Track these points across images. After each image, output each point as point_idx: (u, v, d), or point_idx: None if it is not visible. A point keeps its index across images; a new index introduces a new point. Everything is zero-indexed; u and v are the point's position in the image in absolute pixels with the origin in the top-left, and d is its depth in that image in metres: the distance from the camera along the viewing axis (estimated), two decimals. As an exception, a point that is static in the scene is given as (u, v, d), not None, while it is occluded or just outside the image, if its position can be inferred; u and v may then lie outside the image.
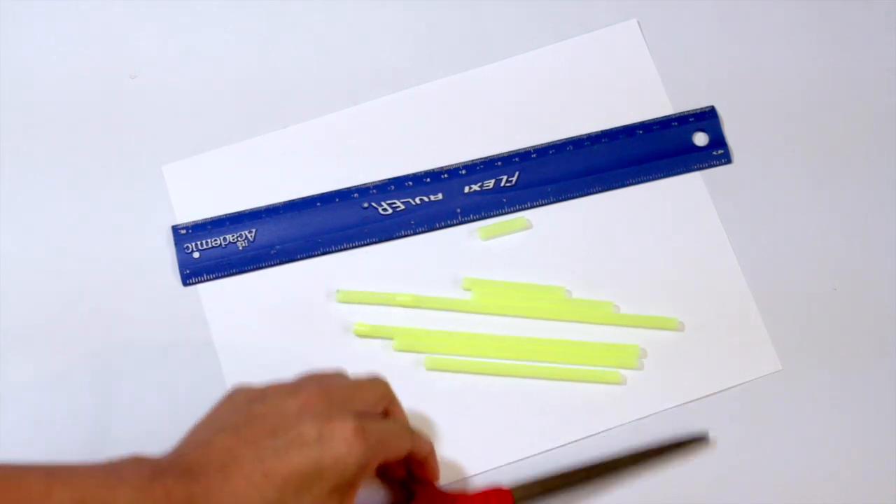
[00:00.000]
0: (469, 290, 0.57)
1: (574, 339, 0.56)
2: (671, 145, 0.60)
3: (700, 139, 0.60)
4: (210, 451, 0.43)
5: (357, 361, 0.55)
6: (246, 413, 0.45)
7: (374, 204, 0.59)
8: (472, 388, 0.56)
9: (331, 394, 0.46)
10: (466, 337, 0.56)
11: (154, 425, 0.55)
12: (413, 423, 0.54)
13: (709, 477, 0.55)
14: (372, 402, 0.48)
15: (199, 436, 0.45)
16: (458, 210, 0.59)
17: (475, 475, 0.55)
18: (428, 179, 0.59)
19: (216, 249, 0.58)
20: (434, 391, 0.56)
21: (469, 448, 0.55)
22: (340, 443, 0.44)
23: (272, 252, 0.58)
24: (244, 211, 0.59)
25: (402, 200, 0.58)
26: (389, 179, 0.59)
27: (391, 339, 0.56)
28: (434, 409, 0.56)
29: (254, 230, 0.58)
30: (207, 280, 0.58)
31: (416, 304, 0.57)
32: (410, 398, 0.55)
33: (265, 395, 0.46)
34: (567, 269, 0.58)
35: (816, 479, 0.55)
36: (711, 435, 0.55)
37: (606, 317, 0.57)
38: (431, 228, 0.58)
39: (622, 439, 0.55)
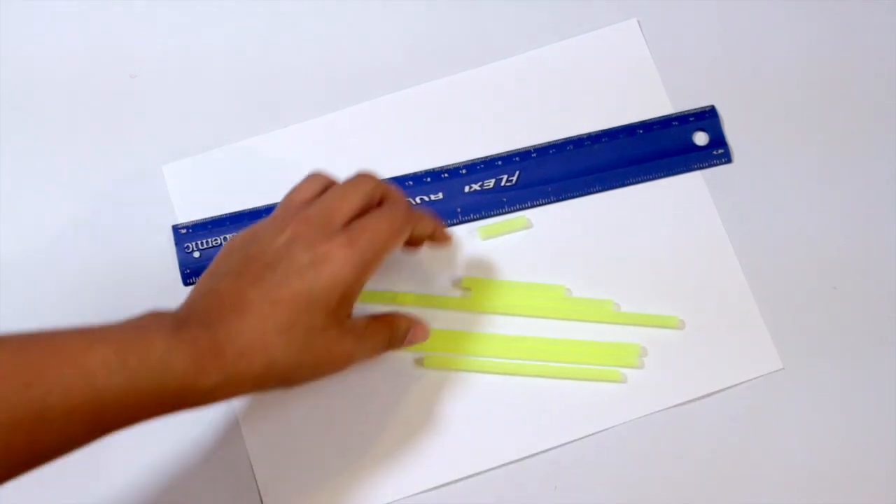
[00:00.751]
0: (468, 288, 0.57)
1: (575, 339, 0.56)
2: (671, 145, 0.60)
3: (700, 139, 0.60)
4: (220, 296, 0.47)
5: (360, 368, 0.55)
6: (242, 256, 0.48)
7: (374, 204, 0.59)
8: (473, 386, 0.56)
9: (313, 217, 0.48)
10: (466, 335, 0.56)
11: (154, 424, 0.55)
12: (411, 419, 0.54)
13: (709, 476, 0.55)
14: (359, 203, 0.50)
15: (205, 286, 0.48)
16: (459, 209, 0.59)
17: (474, 475, 0.55)
18: (428, 179, 0.59)
19: (217, 249, 0.58)
20: (434, 389, 0.56)
21: (468, 446, 0.55)
22: (334, 260, 0.47)
23: (272, 252, 0.58)
24: (244, 210, 0.59)
25: (403, 200, 0.58)
26: (389, 179, 0.59)
27: None
28: (434, 408, 0.56)
29: (254, 230, 0.58)
30: (208, 280, 0.58)
31: (417, 302, 0.57)
32: (411, 396, 0.56)
33: (255, 236, 0.49)
34: (567, 269, 0.58)
35: (818, 478, 0.55)
36: (712, 434, 0.55)
37: (607, 315, 0.57)
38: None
39: (623, 438, 0.55)
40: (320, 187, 0.51)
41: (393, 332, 0.52)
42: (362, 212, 0.50)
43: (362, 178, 0.51)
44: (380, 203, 0.51)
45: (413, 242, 0.53)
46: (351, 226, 0.49)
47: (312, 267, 0.47)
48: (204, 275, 0.50)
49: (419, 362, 0.56)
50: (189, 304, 0.48)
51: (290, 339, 0.46)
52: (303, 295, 0.46)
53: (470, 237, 0.58)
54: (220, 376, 0.45)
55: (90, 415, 0.42)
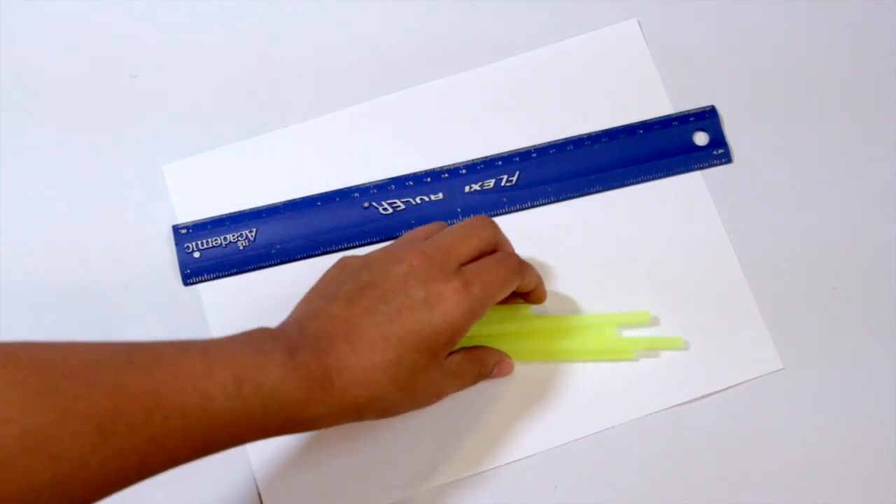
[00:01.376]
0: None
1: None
2: (671, 145, 0.60)
3: (700, 139, 0.60)
4: (331, 321, 0.47)
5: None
6: (355, 281, 0.49)
7: (374, 204, 0.59)
8: (472, 387, 0.56)
9: (432, 254, 0.49)
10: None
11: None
12: (411, 419, 0.54)
13: (709, 476, 0.55)
14: (478, 248, 0.50)
15: (314, 306, 0.49)
16: (459, 210, 0.59)
17: (474, 475, 0.55)
18: (428, 179, 0.59)
19: (217, 249, 0.58)
20: (422, 411, 0.55)
21: (469, 446, 0.55)
22: (447, 301, 0.47)
23: (273, 252, 0.58)
24: (245, 210, 0.59)
25: (403, 200, 0.58)
26: (390, 179, 0.59)
27: None
28: (434, 408, 0.55)
29: (254, 230, 0.58)
30: (208, 280, 0.58)
31: None
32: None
33: (370, 262, 0.50)
34: (567, 269, 0.58)
35: (818, 478, 0.55)
36: (712, 434, 0.55)
37: (609, 342, 0.56)
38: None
39: (623, 438, 0.55)
40: (438, 230, 0.52)
41: (483, 367, 0.53)
42: (478, 256, 0.50)
43: (482, 222, 0.52)
44: (493, 250, 0.52)
45: (518, 294, 0.54)
46: (466, 269, 0.49)
47: (426, 306, 0.47)
48: (313, 292, 0.50)
49: None
50: (300, 323, 0.48)
51: (394, 376, 0.47)
52: (413, 333, 0.47)
53: None
54: (326, 408, 0.45)
55: (201, 438, 0.43)
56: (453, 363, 0.51)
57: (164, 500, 0.54)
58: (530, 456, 0.55)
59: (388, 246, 0.52)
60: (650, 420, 0.55)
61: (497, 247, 0.52)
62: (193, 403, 0.42)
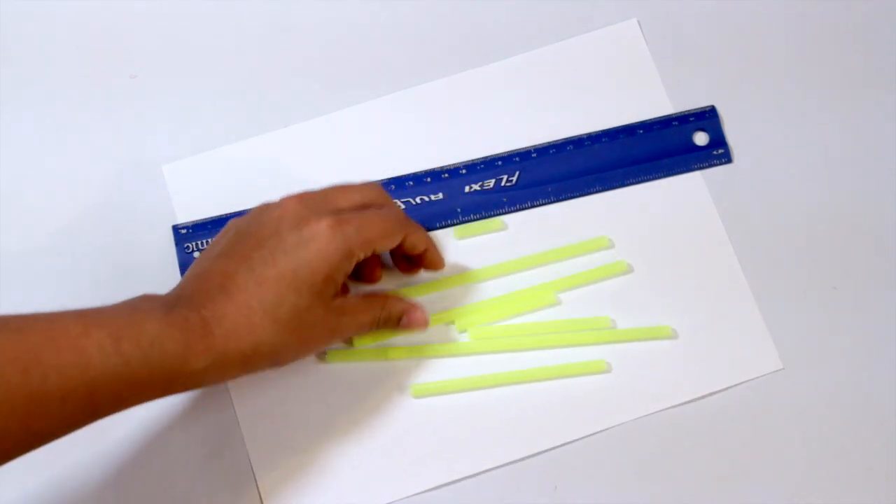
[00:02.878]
0: (464, 331, 0.56)
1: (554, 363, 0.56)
2: (671, 145, 0.60)
3: (700, 139, 0.60)
4: (209, 277, 0.48)
5: (359, 368, 0.56)
6: (234, 234, 0.50)
7: (374, 204, 0.58)
8: (463, 400, 0.56)
9: (308, 199, 0.50)
10: (457, 368, 0.56)
11: (155, 424, 0.55)
12: (411, 419, 0.54)
13: (709, 476, 0.55)
14: (358, 201, 0.51)
15: (198, 267, 0.50)
16: (459, 209, 0.59)
17: (474, 475, 0.55)
18: (428, 179, 0.59)
19: (216, 249, 0.58)
20: (422, 411, 0.56)
21: (469, 446, 0.55)
22: (319, 238, 0.48)
23: (272, 252, 0.58)
24: (244, 210, 0.58)
25: (403, 200, 0.58)
26: (390, 179, 0.59)
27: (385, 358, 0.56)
28: (434, 408, 0.56)
29: (254, 230, 0.58)
30: (208, 280, 0.58)
31: (410, 355, 0.56)
32: (411, 396, 0.56)
33: (250, 215, 0.50)
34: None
35: (818, 478, 0.55)
36: (712, 434, 0.55)
37: (602, 336, 0.57)
38: (432, 228, 0.58)
39: (623, 438, 0.55)
40: (326, 187, 0.53)
41: (385, 311, 0.53)
42: (359, 209, 0.51)
43: (368, 183, 0.53)
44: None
45: (406, 255, 0.54)
46: (342, 212, 0.50)
47: (300, 245, 0.48)
48: (202, 254, 0.51)
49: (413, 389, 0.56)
50: (181, 286, 0.49)
51: (275, 318, 0.47)
52: (288, 274, 0.47)
53: (445, 236, 0.58)
54: (209, 358, 0.46)
55: (85, 398, 0.43)
56: (348, 302, 0.51)
57: (165, 500, 0.54)
58: (530, 456, 0.55)
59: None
60: (650, 420, 0.55)
61: (383, 206, 0.53)
62: (71, 361, 0.42)
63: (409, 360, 0.56)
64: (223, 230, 0.52)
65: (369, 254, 0.50)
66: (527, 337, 0.56)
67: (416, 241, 0.53)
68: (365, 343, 0.56)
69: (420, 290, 0.57)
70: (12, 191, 0.59)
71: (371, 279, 0.56)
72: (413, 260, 0.55)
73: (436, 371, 0.56)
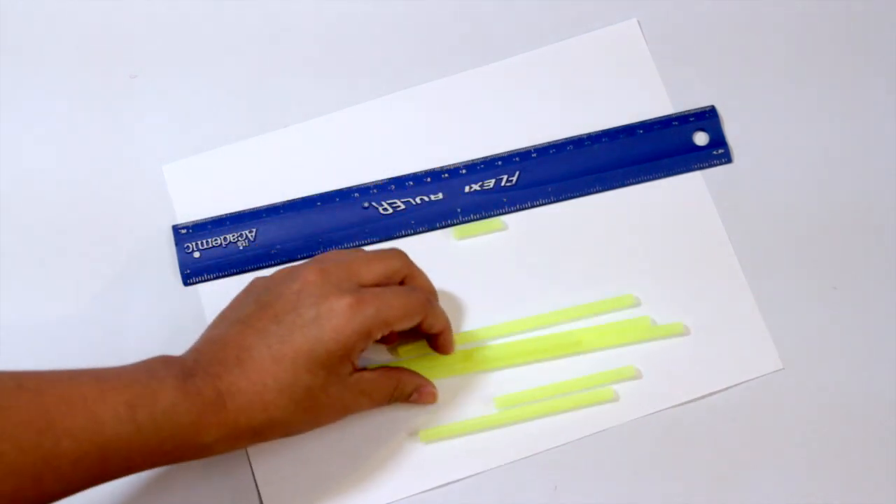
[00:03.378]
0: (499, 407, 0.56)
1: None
2: (671, 145, 0.60)
3: (700, 139, 0.60)
4: (227, 346, 0.48)
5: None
6: (254, 303, 0.49)
7: (374, 204, 0.59)
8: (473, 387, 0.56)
9: (330, 272, 0.49)
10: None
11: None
12: (412, 419, 0.54)
13: (709, 476, 0.55)
14: (381, 273, 0.50)
15: (215, 331, 0.49)
16: (459, 210, 0.59)
17: (474, 475, 0.55)
18: (428, 179, 0.59)
19: (217, 249, 0.58)
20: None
21: (469, 446, 0.55)
22: (337, 317, 0.47)
23: (273, 252, 0.58)
24: (245, 210, 0.58)
25: (403, 200, 0.58)
26: (390, 179, 0.59)
27: None
28: (434, 407, 0.56)
29: (254, 230, 0.58)
30: (208, 280, 0.58)
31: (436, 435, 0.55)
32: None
33: (271, 282, 0.50)
34: (567, 269, 0.58)
35: (818, 478, 0.55)
36: (712, 434, 0.55)
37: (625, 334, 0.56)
38: (432, 228, 0.58)
39: (623, 438, 0.55)
40: (347, 253, 0.52)
41: (398, 388, 0.53)
42: (382, 284, 0.50)
43: (393, 252, 0.52)
44: (402, 283, 0.52)
45: (422, 333, 0.53)
46: (364, 289, 0.49)
47: (316, 323, 0.47)
48: (219, 316, 0.51)
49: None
50: (199, 349, 0.49)
51: (290, 397, 0.47)
52: (304, 352, 0.47)
53: (445, 237, 0.58)
54: (220, 432, 0.46)
55: (96, 462, 0.43)
56: (363, 380, 0.51)
57: (164, 501, 0.54)
58: (530, 456, 0.55)
59: (296, 264, 0.52)
60: (650, 420, 0.55)
61: (407, 279, 0.52)
62: (85, 427, 0.43)
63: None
64: (244, 292, 0.51)
65: (387, 333, 0.50)
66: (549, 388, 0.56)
67: (433, 323, 0.52)
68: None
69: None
70: (12, 190, 0.59)
71: (389, 341, 0.55)
72: (426, 338, 0.54)
73: (446, 398, 0.56)
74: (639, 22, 0.62)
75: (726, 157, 0.60)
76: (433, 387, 0.54)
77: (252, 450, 0.55)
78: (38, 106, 0.60)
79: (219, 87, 0.61)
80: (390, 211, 0.58)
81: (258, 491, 0.54)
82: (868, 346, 0.57)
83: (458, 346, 0.55)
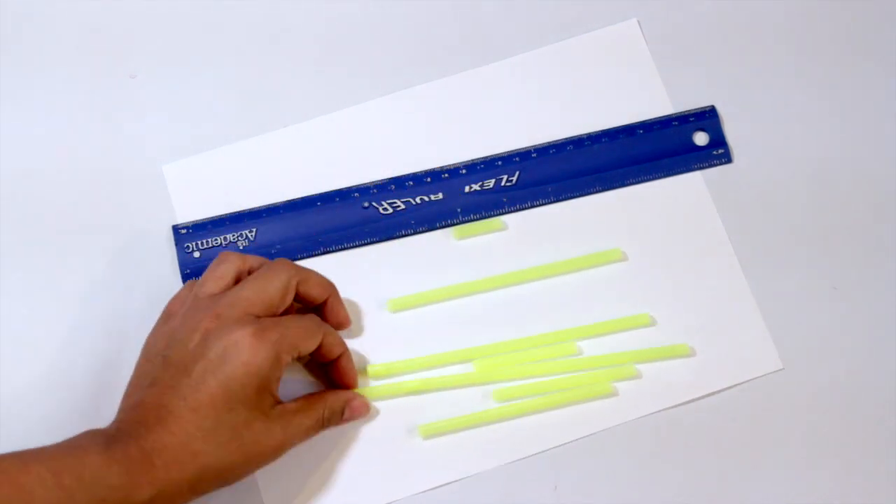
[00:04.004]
0: (471, 360, 0.56)
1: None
2: (671, 145, 0.60)
3: (700, 139, 0.60)
4: (145, 409, 0.48)
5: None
6: (161, 363, 0.49)
7: (374, 204, 0.59)
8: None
9: (225, 314, 0.49)
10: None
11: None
12: (412, 419, 0.54)
13: (709, 476, 0.55)
14: (275, 296, 0.51)
15: (132, 398, 0.49)
16: (459, 210, 0.59)
17: (475, 475, 0.55)
18: (428, 179, 0.59)
19: (217, 249, 0.58)
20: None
21: (469, 446, 0.55)
22: (243, 350, 0.48)
23: (273, 252, 0.58)
24: (244, 210, 0.58)
25: (403, 200, 0.58)
26: (390, 179, 0.59)
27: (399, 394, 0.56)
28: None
29: (254, 230, 0.58)
30: (208, 280, 0.58)
31: (423, 387, 0.56)
32: (411, 395, 0.55)
33: (171, 338, 0.50)
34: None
35: (818, 478, 0.55)
36: (712, 434, 0.55)
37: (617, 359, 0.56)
38: (432, 228, 0.58)
39: (623, 438, 0.55)
40: (232, 275, 0.52)
41: (328, 410, 0.53)
42: (279, 303, 0.51)
43: (276, 268, 0.52)
44: (298, 291, 0.52)
45: (322, 362, 0.54)
46: (263, 319, 0.49)
47: (224, 360, 0.48)
48: (130, 384, 0.51)
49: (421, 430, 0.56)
50: (119, 419, 0.49)
51: (216, 441, 0.47)
52: (220, 394, 0.47)
53: (445, 237, 0.58)
54: (153, 489, 0.46)
55: None
56: (287, 410, 0.50)
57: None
58: (530, 456, 0.55)
59: (185, 309, 0.51)
60: (650, 420, 0.55)
61: (301, 285, 0.52)
62: (13, 496, 0.43)
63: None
64: (145, 354, 0.51)
65: (296, 356, 0.50)
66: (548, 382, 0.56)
67: (331, 343, 0.52)
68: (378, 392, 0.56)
69: (430, 297, 0.57)
70: (12, 190, 0.59)
71: (341, 324, 0.55)
72: (328, 371, 0.54)
73: (446, 395, 0.56)
74: (639, 22, 0.62)
75: (726, 157, 0.60)
76: (363, 398, 0.54)
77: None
78: (38, 106, 0.60)
79: (219, 87, 0.61)
80: (390, 211, 0.58)
81: (259, 492, 0.54)
82: (868, 346, 0.57)
83: (459, 349, 0.56)
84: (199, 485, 0.47)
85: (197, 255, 0.58)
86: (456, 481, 0.54)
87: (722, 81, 0.61)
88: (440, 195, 0.59)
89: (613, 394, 0.55)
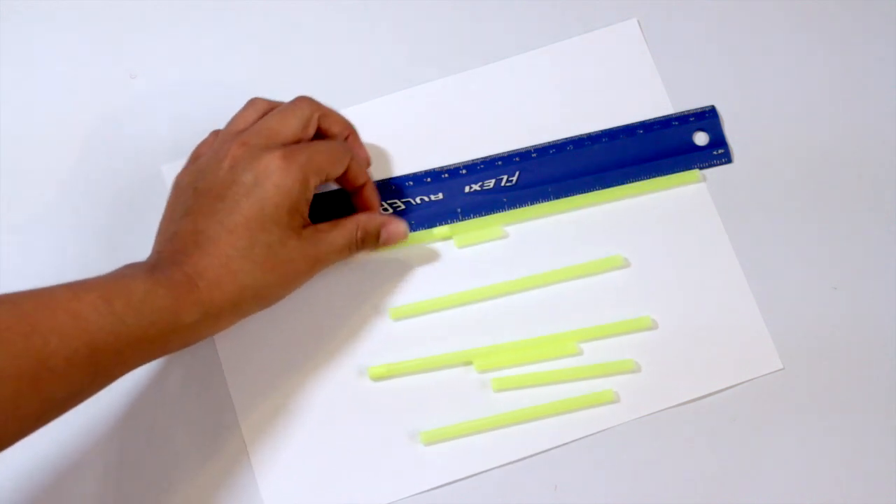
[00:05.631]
0: (483, 371, 0.56)
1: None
2: (671, 145, 0.60)
3: (700, 139, 0.60)
4: (182, 237, 0.50)
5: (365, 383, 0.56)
6: (192, 193, 0.51)
7: (374, 204, 0.59)
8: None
9: (252, 141, 0.51)
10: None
11: (157, 423, 0.55)
12: (412, 419, 0.54)
13: (709, 477, 0.55)
14: (298, 127, 0.53)
15: (167, 231, 0.51)
16: (459, 210, 0.59)
17: (475, 475, 0.55)
18: (428, 179, 0.59)
19: (216, 249, 0.58)
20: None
21: (469, 447, 0.55)
22: (273, 173, 0.50)
23: (272, 252, 0.58)
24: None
25: (403, 200, 0.59)
26: (390, 179, 0.59)
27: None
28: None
29: (254, 230, 0.58)
30: (208, 280, 0.58)
31: (427, 365, 0.56)
32: (411, 395, 0.55)
33: (200, 171, 0.52)
34: (567, 269, 0.58)
35: (816, 479, 0.55)
36: (712, 434, 0.55)
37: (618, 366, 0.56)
38: (432, 228, 0.58)
39: (623, 438, 0.55)
40: (258, 115, 0.54)
41: (360, 228, 0.54)
42: (301, 134, 0.53)
43: (300, 101, 0.54)
44: (319, 125, 0.54)
45: (348, 190, 0.56)
46: (290, 146, 0.51)
47: (256, 185, 0.50)
48: (162, 221, 0.53)
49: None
50: (157, 251, 0.50)
51: (253, 260, 0.49)
52: (254, 215, 0.49)
53: (447, 248, 0.58)
54: (199, 310, 0.47)
55: (88, 358, 0.44)
56: (320, 230, 0.52)
57: (164, 501, 0.54)
58: (530, 456, 0.55)
59: (214, 145, 0.53)
60: (650, 420, 0.55)
61: (322, 120, 0.54)
62: (68, 323, 0.44)
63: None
64: (174, 191, 0.53)
65: (323, 179, 0.52)
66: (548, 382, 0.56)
67: (357, 169, 0.54)
68: (379, 372, 0.56)
69: (431, 305, 0.57)
70: (12, 189, 0.59)
71: (363, 161, 0.57)
72: (353, 199, 0.56)
73: (446, 398, 0.56)
74: (639, 22, 0.62)
75: (726, 157, 0.60)
76: (400, 222, 0.55)
77: (252, 449, 0.55)
78: (38, 105, 0.60)
79: (218, 86, 0.61)
80: (390, 211, 0.58)
81: (259, 490, 0.54)
82: (868, 346, 0.57)
83: (456, 345, 0.56)
84: (239, 305, 0.49)
85: (197, 255, 0.58)
86: (456, 481, 0.54)
87: (722, 81, 0.61)
88: (440, 195, 0.59)
89: (615, 400, 0.55)
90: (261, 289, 0.50)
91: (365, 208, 0.56)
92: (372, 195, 0.56)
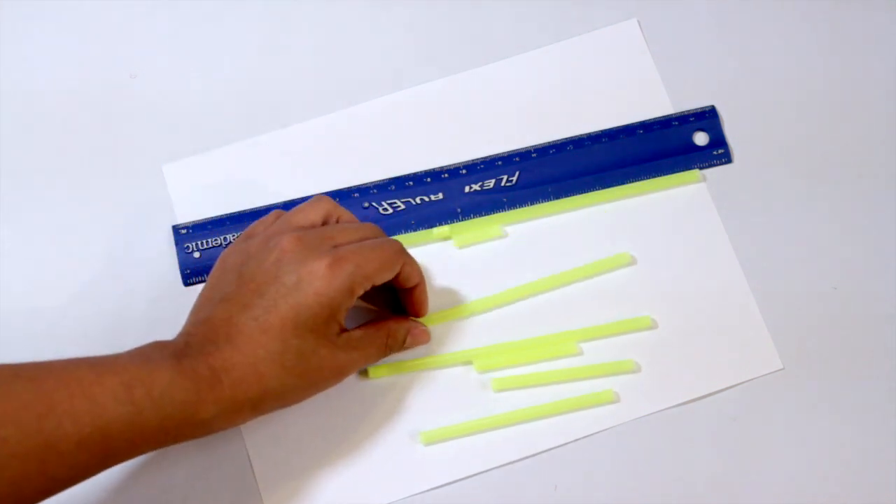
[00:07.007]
0: (483, 371, 0.56)
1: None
2: (671, 145, 0.60)
3: (700, 139, 0.60)
4: (215, 325, 0.48)
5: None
6: (235, 278, 0.50)
7: (374, 204, 0.59)
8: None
9: (306, 237, 0.50)
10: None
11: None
12: (412, 419, 0.54)
13: (709, 477, 0.55)
14: (355, 239, 0.51)
15: (201, 313, 0.50)
16: (459, 210, 0.59)
17: (475, 475, 0.55)
18: (428, 179, 0.59)
19: (217, 249, 0.58)
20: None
21: (469, 447, 0.55)
22: (318, 279, 0.48)
23: (272, 252, 0.58)
24: (244, 211, 0.58)
25: (403, 200, 0.59)
26: (389, 179, 0.59)
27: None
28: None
29: (254, 230, 0.58)
30: (208, 280, 0.58)
31: (429, 364, 0.56)
32: (411, 396, 0.55)
33: (249, 255, 0.50)
34: (567, 269, 0.58)
35: (816, 478, 0.55)
36: (711, 434, 0.55)
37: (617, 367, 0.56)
38: (431, 228, 0.58)
39: (623, 438, 0.55)
40: (322, 215, 0.52)
41: (390, 337, 0.53)
42: (356, 238, 0.51)
43: (393, 245, 0.52)
44: (398, 273, 0.52)
45: (398, 290, 0.54)
46: (340, 248, 0.50)
47: (298, 288, 0.48)
48: (201, 296, 0.51)
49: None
50: (188, 331, 0.49)
51: (282, 364, 0.48)
52: (290, 319, 0.48)
53: (446, 247, 0.58)
54: (218, 407, 0.46)
55: (99, 444, 0.44)
56: (352, 337, 0.51)
57: (164, 500, 0.54)
58: (530, 456, 0.55)
59: (269, 229, 0.52)
60: (650, 420, 0.55)
61: (404, 267, 0.52)
62: (84, 409, 0.43)
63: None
64: (220, 267, 0.52)
65: (368, 287, 0.50)
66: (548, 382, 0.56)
67: (409, 273, 0.52)
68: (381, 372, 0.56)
69: (434, 319, 0.56)
70: (12, 191, 0.59)
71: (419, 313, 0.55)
72: (401, 296, 0.54)
73: (446, 398, 0.56)
74: (639, 22, 0.62)
75: (726, 157, 0.60)
76: (424, 326, 0.55)
77: (252, 450, 0.55)
78: (37, 105, 0.60)
79: (219, 87, 0.61)
80: (390, 211, 0.58)
81: (259, 490, 0.54)
82: (868, 346, 0.57)
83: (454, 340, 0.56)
84: (260, 405, 0.48)
85: (197, 255, 0.58)
86: (456, 481, 0.54)
87: (722, 81, 0.61)
88: (440, 195, 0.59)
89: (615, 400, 0.55)
90: (285, 392, 0.49)
91: (412, 311, 0.54)
92: (422, 298, 0.54)
